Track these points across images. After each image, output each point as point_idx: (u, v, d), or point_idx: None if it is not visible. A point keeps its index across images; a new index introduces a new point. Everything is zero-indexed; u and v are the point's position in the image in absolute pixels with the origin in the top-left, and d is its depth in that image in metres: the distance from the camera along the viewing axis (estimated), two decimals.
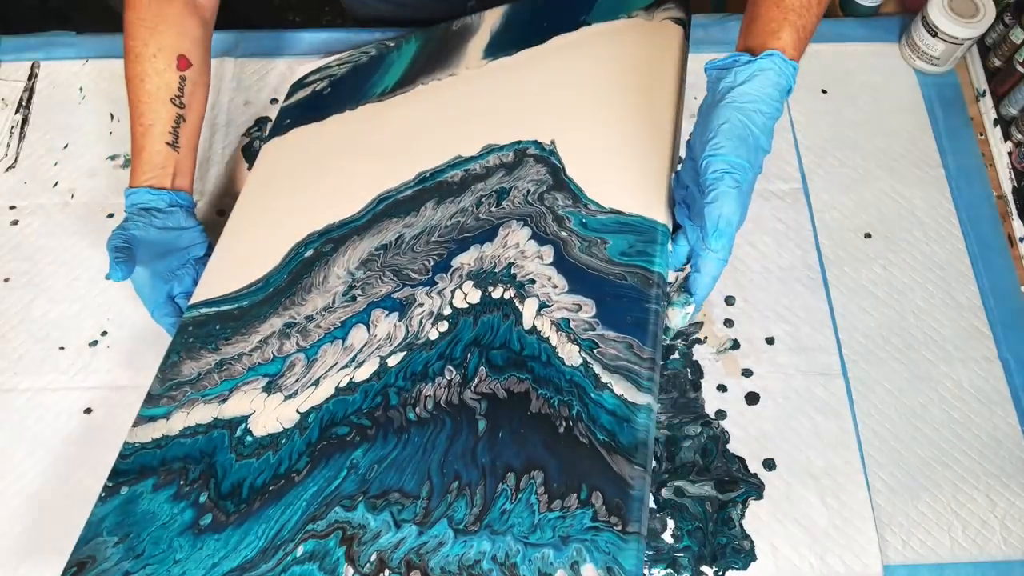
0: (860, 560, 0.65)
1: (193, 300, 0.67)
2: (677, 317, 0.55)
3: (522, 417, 0.50)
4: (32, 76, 0.87)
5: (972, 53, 0.87)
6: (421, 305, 0.58)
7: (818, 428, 0.70)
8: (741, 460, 0.68)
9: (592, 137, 0.61)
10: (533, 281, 0.56)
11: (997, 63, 0.84)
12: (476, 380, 0.53)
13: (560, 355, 0.52)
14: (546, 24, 0.69)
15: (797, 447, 0.69)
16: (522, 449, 0.49)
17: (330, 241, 0.65)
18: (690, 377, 0.71)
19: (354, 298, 0.61)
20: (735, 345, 0.73)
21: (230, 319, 0.64)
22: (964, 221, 0.80)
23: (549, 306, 0.54)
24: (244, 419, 0.57)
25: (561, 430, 0.49)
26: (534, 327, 0.54)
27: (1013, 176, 0.81)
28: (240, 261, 0.68)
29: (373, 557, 0.48)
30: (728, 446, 0.69)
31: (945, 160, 0.83)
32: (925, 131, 0.85)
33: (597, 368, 0.51)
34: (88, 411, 0.70)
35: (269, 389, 0.58)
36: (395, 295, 0.59)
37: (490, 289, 0.56)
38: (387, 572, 0.47)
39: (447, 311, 0.57)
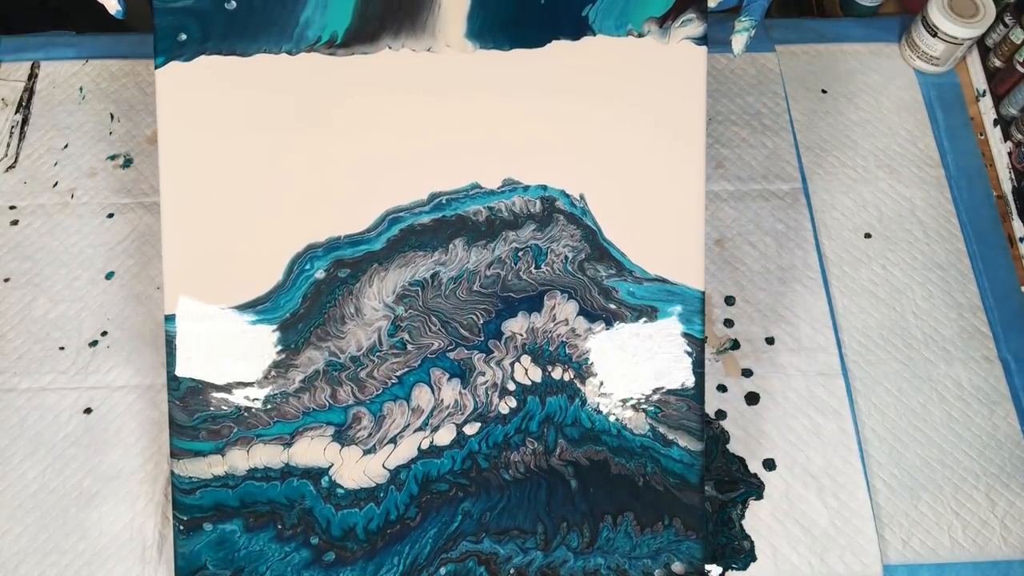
0: (860, 560, 0.65)
1: (172, 309, 0.61)
2: (741, 43, 0.63)
3: (607, 477, 0.60)
4: (32, 76, 0.87)
5: (972, 53, 0.87)
6: (483, 374, 0.60)
7: (818, 428, 0.70)
8: (741, 460, 0.69)
9: (622, 194, 0.61)
10: (590, 362, 0.60)
11: (997, 63, 0.84)
12: (558, 450, 0.60)
13: (629, 427, 0.60)
14: (542, 0, 0.64)
15: (797, 447, 0.69)
16: (612, 499, 0.60)
17: (343, 264, 0.61)
18: None
19: (403, 345, 0.61)
20: (735, 345, 0.73)
21: None
22: (964, 221, 0.80)
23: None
24: (324, 471, 0.60)
25: (641, 483, 0.60)
26: (599, 409, 0.60)
27: (1013, 176, 0.81)
28: (225, 267, 0.61)
29: (512, 571, 0.59)
30: (728, 446, 0.69)
31: (945, 160, 0.83)
32: (925, 131, 0.85)
33: (663, 429, 0.60)
34: (88, 411, 0.70)
35: (341, 440, 0.60)
36: (450, 355, 0.60)
37: (549, 368, 0.60)
38: None
39: (511, 386, 0.60)
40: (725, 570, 0.65)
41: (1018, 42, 0.80)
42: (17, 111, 0.84)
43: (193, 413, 0.60)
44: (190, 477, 0.59)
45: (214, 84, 0.62)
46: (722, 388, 0.72)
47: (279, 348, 0.60)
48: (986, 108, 0.85)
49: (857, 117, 0.85)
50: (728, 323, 0.74)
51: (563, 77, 0.61)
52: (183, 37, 0.61)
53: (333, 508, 0.60)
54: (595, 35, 0.61)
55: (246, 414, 0.60)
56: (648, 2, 0.61)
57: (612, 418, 0.60)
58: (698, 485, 0.60)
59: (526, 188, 0.61)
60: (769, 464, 0.68)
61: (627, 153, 0.61)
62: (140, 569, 0.65)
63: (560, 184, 0.61)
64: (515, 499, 0.60)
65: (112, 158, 0.82)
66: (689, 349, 0.60)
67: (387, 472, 0.60)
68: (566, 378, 0.60)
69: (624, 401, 0.60)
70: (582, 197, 0.61)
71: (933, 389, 0.72)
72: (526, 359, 0.60)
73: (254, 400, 0.60)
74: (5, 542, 0.65)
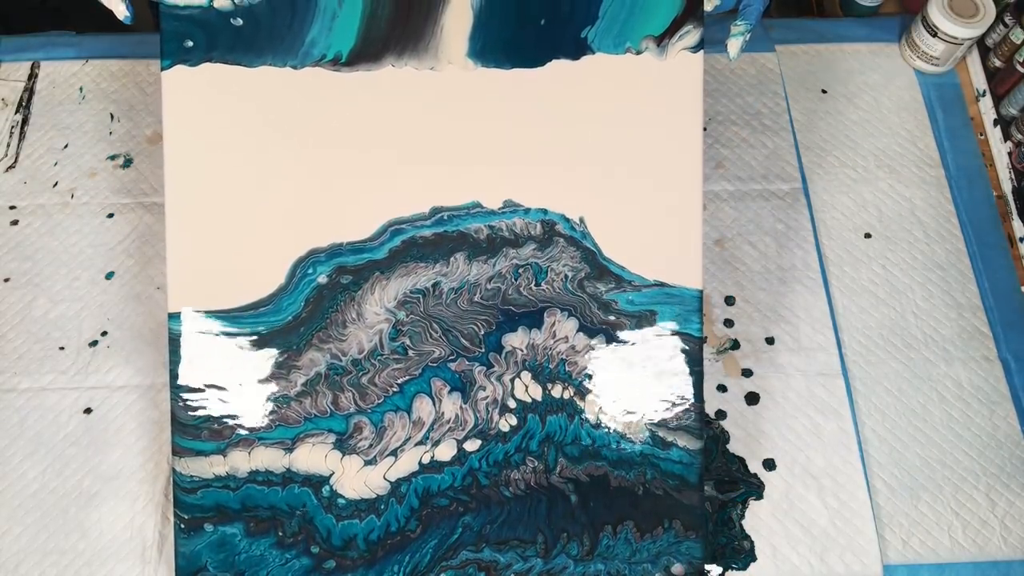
0: (860, 560, 0.65)
1: (176, 308, 0.62)
2: (736, 47, 0.63)
3: (607, 490, 0.60)
4: (32, 76, 0.87)
5: (972, 53, 0.87)
6: (483, 389, 0.61)
7: (818, 428, 0.70)
8: (741, 460, 0.69)
9: (622, 209, 0.62)
10: (590, 376, 0.60)
11: (997, 63, 0.84)
12: (558, 468, 0.61)
13: (628, 436, 0.60)
14: (543, 21, 0.65)
15: (797, 447, 0.69)
16: (611, 510, 0.60)
17: (345, 271, 0.62)
18: None
19: (405, 350, 0.61)
20: (735, 345, 0.73)
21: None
22: (964, 221, 0.80)
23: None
24: (325, 479, 0.60)
25: (640, 492, 0.60)
26: (599, 421, 0.60)
27: (1013, 176, 0.81)
28: (227, 268, 0.62)
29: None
30: (728, 446, 0.69)
31: (945, 160, 0.83)
32: (925, 131, 0.85)
33: (663, 432, 0.60)
34: (88, 411, 0.70)
35: (342, 449, 0.60)
36: (451, 365, 0.61)
37: (550, 386, 0.61)
38: None
39: (512, 403, 0.61)
40: (725, 570, 0.65)
41: (1018, 42, 0.80)
42: (17, 111, 0.84)
43: (195, 412, 0.60)
44: (191, 476, 0.59)
45: (220, 90, 0.62)
46: (722, 388, 0.72)
47: (281, 350, 0.60)
48: (986, 108, 0.85)
49: (857, 117, 0.85)
50: (728, 323, 0.74)
51: (563, 95, 0.62)
52: (189, 44, 0.62)
53: (334, 518, 0.60)
54: (594, 54, 0.62)
55: (248, 415, 0.60)
56: (646, 21, 0.61)
57: (612, 427, 0.60)
58: (697, 484, 0.60)
59: (527, 211, 0.62)
60: (769, 464, 0.69)
61: (625, 169, 0.61)
62: (140, 569, 0.65)
63: (560, 208, 0.61)
64: (515, 513, 0.60)
65: (112, 158, 0.82)
66: (687, 348, 0.60)
67: (388, 484, 0.60)
68: (566, 396, 0.61)
69: (624, 408, 0.60)
70: (582, 220, 0.61)
71: (933, 389, 0.72)
72: (526, 375, 0.61)
73: (256, 401, 0.60)
74: (5, 542, 0.65)
